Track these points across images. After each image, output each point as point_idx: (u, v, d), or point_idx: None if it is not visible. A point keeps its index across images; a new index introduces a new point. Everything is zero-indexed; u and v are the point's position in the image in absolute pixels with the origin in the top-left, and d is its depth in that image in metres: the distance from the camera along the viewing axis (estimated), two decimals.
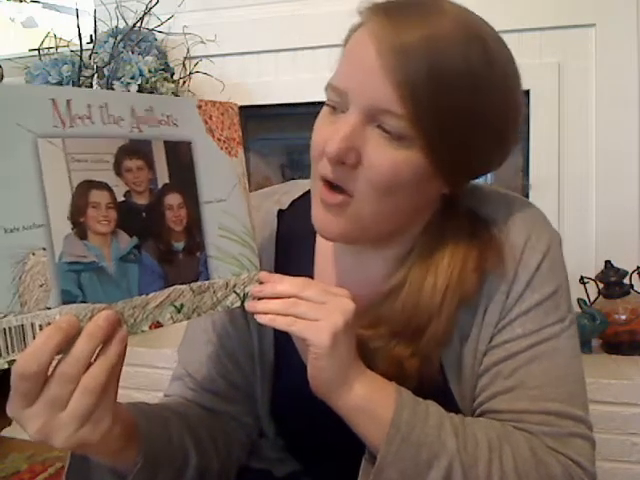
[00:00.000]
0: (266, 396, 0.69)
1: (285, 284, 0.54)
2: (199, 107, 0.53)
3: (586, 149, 1.46)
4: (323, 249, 0.69)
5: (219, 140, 0.55)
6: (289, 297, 0.53)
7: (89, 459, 0.55)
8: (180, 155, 0.52)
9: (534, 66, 1.47)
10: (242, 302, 0.55)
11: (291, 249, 0.69)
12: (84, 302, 0.45)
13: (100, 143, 0.46)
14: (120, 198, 0.47)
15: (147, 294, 0.49)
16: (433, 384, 0.60)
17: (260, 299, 0.55)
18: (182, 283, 0.51)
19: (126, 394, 1.48)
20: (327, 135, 0.55)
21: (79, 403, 0.43)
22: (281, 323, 0.52)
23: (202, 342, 0.71)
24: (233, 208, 0.55)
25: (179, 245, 0.51)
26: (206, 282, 0.53)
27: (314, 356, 0.52)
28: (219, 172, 0.55)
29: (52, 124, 0.43)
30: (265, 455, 0.75)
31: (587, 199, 1.47)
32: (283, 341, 0.67)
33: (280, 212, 0.70)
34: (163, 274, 0.50)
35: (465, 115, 0.53)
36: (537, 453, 0.55)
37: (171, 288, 0.50)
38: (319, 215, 0.59)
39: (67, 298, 0.44)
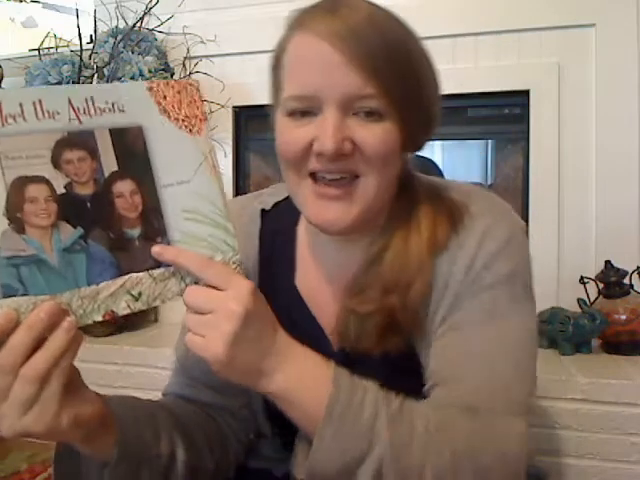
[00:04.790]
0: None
1: (186, 294, 0.52)
2: (150, 89, 0.53)
3: (586, 149, 1.46)
4: (303, 243, 0.72)
5: (177, 120, 0.54)
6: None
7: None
8: (130, 141, 0.51)
9: (534, 66, 1.48)
10: None
11: (274, 245, 0.73)
12: (25, 295, 0.45)
13: (35, 139, 0.47)
14: (61, 190, 0.48)
15: (97, 284, 0.49)
16: (400, 352, 0.63)
17: None
18: (139, 270, 0.51)
19: (126, 394, 1.47)
20: (303, 136, 0.58)
21: (18, 392, 0.44)
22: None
23: None
24: (199, 188, 0.54)
25: (134, 232, 0.51)
26: (170, 268, 0.52)
27: (216, 369, 0.51)
28: (179, 153, 0.53)
29: None
30: (264, 454, 0.75)
31: (587, 199, 1.47)
32: None
33: (263, 211, 0.74)
34: (116, 262, 0.50)
35: (415, 79, 0.59)
36: (473, 440, 0.55)
37: (126, 277, 0.50)
38: (325, 211, 0.60)
39: (7, 292, 0.45)
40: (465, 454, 0.53)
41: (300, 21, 0.59)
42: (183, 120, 0.54)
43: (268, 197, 0.76)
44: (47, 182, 0.47)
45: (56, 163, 0.48)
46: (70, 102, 0.48)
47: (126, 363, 1.47)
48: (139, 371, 1.47)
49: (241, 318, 0.50)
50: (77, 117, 0.48)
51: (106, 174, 0.50)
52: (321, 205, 0.60)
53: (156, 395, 0.74)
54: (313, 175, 0.60)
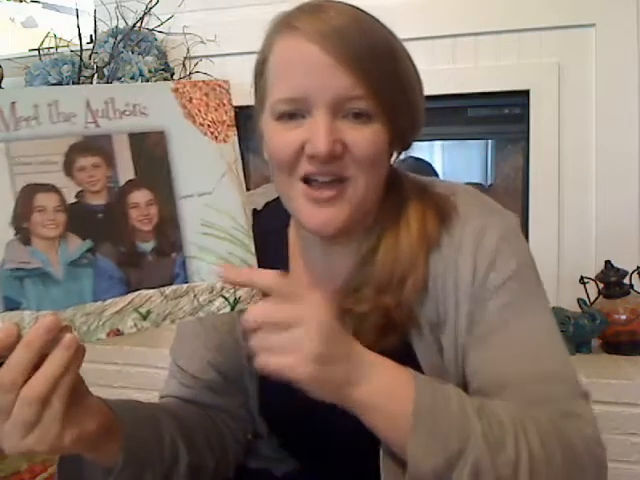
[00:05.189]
0: (255, 392, 0.70)
1: (255, 312, 0.49)
2: (175, 90, 0.48)
3: (586, 149, 1.46)
4: (293, 244, 0.72)
5: (202, 125, 0.50)
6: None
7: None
8: (149, 147, 0.48)
9: (534, 66, 1.48)
10: (232, 308, 0.50)
11: (265, 246, 0.71)
12: (28, 309, 0.43)
13: (48, 144, 0.44)
14: (71, 200, 0.45)
15: (104, 300, 0.46)
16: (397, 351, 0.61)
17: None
18: (150, 287, 0.48)
19: (126, 394, 1.48)
20: (295, 139, 0.58)
21: (19, 413, 0.43)
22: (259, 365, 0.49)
23: (191, 335, 0.72)
24: (220, 201, 0.50)
25: (147, 246, 0.48)
26: (184, 285, 0.49)
27: (305, 387, 0.49)
28: (202, 162, 0.49)
29: None
30: (263, 454, 0.75)
31: (587, 199, 1.47)
32: None
33: (255, 211, 0.73)
34: (125, 278, 0.47)
35: (401, 80, 0.60)
36: (556, 422, 0.54)
37: (135, 293, 0.47)
38: (317, 214, 0.60)
39: (10, 305, 0.43)
40: (553, 441, 0.52)
41: (285, 23, 0.59)
42: (209, 125, 0.50)
43: (259, 197, 0.76)
44: (57, 191, 0.45)
45: (68, 170, 0.45)
46: (88, 104, 0.45)
47: (126, 363, 1.47)
48: (139, 371, 1.47)
49: (324, 333, 0.48)
50: (95, 120, 0.45)
51: (121, 182, 0.47)
52: (313, 208, 0.60)
53: (156, 395, 0.74)
54: (305, 178, 0.60)
